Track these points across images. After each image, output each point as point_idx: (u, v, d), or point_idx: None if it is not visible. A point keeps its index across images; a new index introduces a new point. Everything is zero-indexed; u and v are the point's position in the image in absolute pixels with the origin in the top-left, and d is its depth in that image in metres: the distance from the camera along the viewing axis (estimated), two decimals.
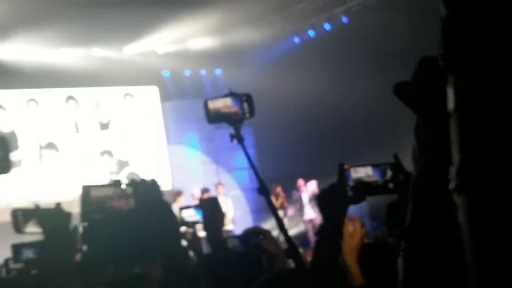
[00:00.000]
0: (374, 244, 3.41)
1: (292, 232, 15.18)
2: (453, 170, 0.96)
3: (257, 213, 15.57)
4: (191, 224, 4.07)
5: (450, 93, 1.00)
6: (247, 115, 3.29)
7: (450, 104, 0.99)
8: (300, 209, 14.86)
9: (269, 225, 12.91)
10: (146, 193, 1.97)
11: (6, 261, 10.52)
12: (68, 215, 2.50)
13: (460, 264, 1.00)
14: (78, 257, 2.47)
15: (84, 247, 1.96)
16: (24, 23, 12.70)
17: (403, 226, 1.07)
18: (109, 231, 1.86)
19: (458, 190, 0.95)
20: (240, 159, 16.01)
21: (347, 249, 2.82)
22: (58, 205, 2.53)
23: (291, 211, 14.75)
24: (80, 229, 2.51)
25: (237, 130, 3.28)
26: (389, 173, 2.45)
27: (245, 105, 3.29)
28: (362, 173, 2.47)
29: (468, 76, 0.96)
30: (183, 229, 4.14)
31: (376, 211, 12.33)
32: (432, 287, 1.03)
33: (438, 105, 1.07)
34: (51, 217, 2.55)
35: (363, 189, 2.44)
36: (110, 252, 1.90)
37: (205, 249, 3.60)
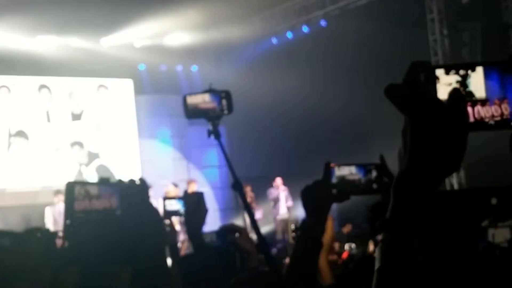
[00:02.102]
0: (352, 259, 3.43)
1: (262, 230, 15.19)
2: None
3: (226, 212, 15.57)
4: (172, 214, 4.06)
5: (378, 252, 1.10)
6: (226, 111, 3.29)
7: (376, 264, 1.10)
8: (275, 208, 14.87)
9: (238, 223, 12.93)
10: (133, 194, 1.95)
11: None
12: None
13: (432, 256, 1.07)
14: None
15: (66, 244, 1.93)
16: (1, 9, 12.53)
17: (384, 219, 1.12)
18: (92, 230, 1.84)
19: None
20: (211, 157, 16.02)
21: None
22: None
23: (259, 213, 14.75)
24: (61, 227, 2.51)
25: (215, 126, 3.28)
26: (373, 174, 2.46)
27: (224, 101, 3.29)
28: (346, 171, 2.46)
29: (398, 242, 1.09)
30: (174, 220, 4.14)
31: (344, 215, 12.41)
32: (406, 275, 1.07)
33: (426, 106, 1.11)
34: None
35: (347, 188, 2.44)
36: (90, 251, 1.88)
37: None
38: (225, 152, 3.23)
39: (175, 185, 14.22)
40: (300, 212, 14.96)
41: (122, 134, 15.81)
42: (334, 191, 2.39)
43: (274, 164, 15.54)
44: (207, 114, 3.28)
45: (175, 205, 4.01)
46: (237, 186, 3.01)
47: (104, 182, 2.03)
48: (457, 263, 2.06)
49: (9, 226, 11.93)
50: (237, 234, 3.54)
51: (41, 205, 13.00)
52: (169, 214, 4.12)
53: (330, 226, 3.00)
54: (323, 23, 15.50)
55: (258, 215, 14.94)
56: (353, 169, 2.47)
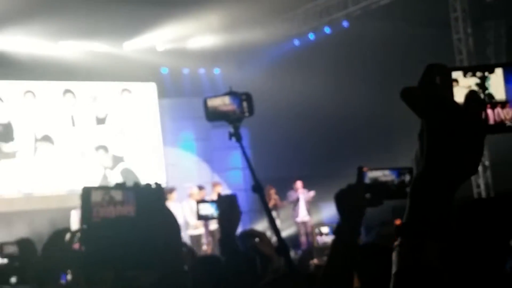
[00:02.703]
0: (370, 245, 3.41)
1: (284, 233, 15.21)
2: None
3: (250, 214, 15.57)
4: (207, 218, 4.07)
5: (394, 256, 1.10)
6: (246, 114, 3.29)
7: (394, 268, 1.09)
8: (294, 210, 14.90)
9: (261, 226, 12.94)
10: (149, 198, 1.95)
11: None
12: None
13: (448, 259, 1.06)
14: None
15: (83, 249, 1.95)
16: (25, 14, 12.68)
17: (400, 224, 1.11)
18: (109, 235, 1.84)
19: None
20: (234, 159, 16.03)
21: None
22: None
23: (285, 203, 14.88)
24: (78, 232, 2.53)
25: (236, 128, 3.28)
26: (407, 178, 2.45)
27: (245, 104, 3.29)
28: (379, 175, 2.47)
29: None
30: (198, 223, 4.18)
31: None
32: (422, 280, 1.07)
33: (441, 109, 1.10)
34: None
35: (380, 192, 2.43)
36: (107, 256, 1.89)
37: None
38: (246, 154, 3.23)
39: (200, 188, 14.27)
40: (321, 215, 14.95)
41: (146, 137, 15.90)
42: (368, 195, 2.40)
43: (297, 165, 15.53)
44: (227, 117, 3.28)
45: (209, 209, 4.01)
46: (257, 189, 3.00)
47: (120, 186, 2.04)
48: (480, 283, 2.03)
49: (36, 230, 12.07)
50: (257, 239, 3.54)
51: (67, 208, 13.10)
52: (202, 218, 4.12)
53: None
54: (345, 24, 15.45)
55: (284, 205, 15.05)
56: (386, 173, 2.48)
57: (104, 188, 2.00)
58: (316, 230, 9.78)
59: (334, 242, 2.36)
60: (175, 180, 15.54)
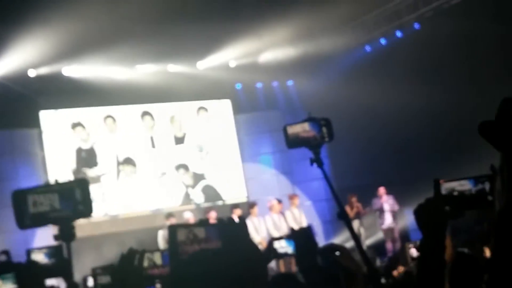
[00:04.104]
0: (464, 256, 3.35)
1: (369, 241, 15.10)
2: None
3: (332, 223, 15.50)
4: (282, 256, 4.07)
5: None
6: (326, 139, 3.32)
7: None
8: (380, 218, 14.78)
9: (344, 236, 12.88)
10: (233, 233, 1.99)
11: (84, 280, 10.87)
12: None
13: None
14: None
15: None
16: (101, 43, 13.07)
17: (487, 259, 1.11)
18: (196, 271, 1.89)
19: None
20: (313, 169, 15.97)
21: None
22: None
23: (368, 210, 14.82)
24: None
25: (317, 154, 3.31)
26: (487, 186, 2.36)
27: (324, 129, 3.32)
28: (457, 186, 2.41)
29: None
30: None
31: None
32: None
33: None
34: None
35: (461, 203, 2.39)
36: None
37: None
38: (328, 179, 3.25)
39: (279, 201, 14.34)
40: (406, 221, 14.74)
41: (224, 153, 16.08)
42: (447, 208, 2.35)
43: (377, 173, 15.38)
44: (308, 143, 3.32)
45: (285, 247, 4.02)
46: (343, 216, 3.02)
47: (202, 223, 2.09)
48: None
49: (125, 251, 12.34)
50: (337, 253, 3.53)
51: (154, 228, 13.40)
52: (278, 256, 4.12)
53: (448, 242, 2.95)
54: (416, 26, 15.22)
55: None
56: (463, 183, 2.41)
57: (187, 226, 2.05)
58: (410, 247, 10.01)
59: (420, 259, 2.33)
60: (256, 195, 15.65)
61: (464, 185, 2.40)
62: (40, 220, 2.49)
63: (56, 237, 2.52)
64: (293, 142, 3.34)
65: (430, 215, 2.30)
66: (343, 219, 3.01)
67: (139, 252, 2.63)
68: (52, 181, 2.51)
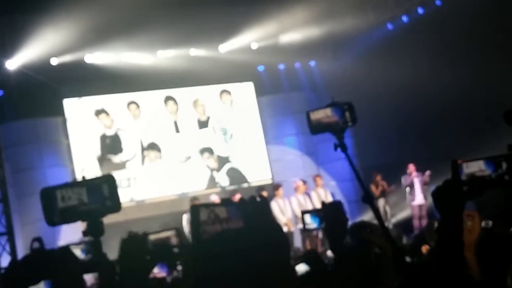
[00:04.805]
0: (492, 234, 3.34)
1: (395, 218, 15.10)
2: None
3: (357, 203, 15.49)
4: (311, 230, 4.06)
5: None
6: (350, 123, 3.31)
7: None
8: (411, 194, 14.75)
9: (370, 215, 12.86)
10: (255, 211, 1.98)
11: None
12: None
13: None
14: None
15: (197, 268, 1.99)
16: (124, 29, 13.12)
17: None
18: (218, 252, 1.89)
19: None
20: (338, 150, 15.95)
21: (466, 244, 2.80)
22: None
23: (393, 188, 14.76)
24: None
25: (340, 139, 3.30)
26: (504, 165, 2.38)
27: (347, 114, 3.31)
28: (475, 167, 2.42)
29: None
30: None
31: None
32: None
33: None
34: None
35: (478, 183, 2.38)
36: (219, 274, 1.93)
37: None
38: (352, 164, 3.25)
39: (304, 182, 14.36)
40: (431, 198, 14.68)
41: (248, 136, 16.10)
42: (465, 188, 2.35)
43: (402, 151, 15.30)
44: (331, 128, 3.32)
45: (309, 224, 3.99)
46: (367, 199, 3.01)
47: (224, 202, 2.07)
48: None
49: None
50: (368, 230, 3.51)
51: (179, 212, 13.44)
52: (307, 231, 4.13)
53: (477, 223, 2.94)
54: (438, 2, 15.05)
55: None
56: (481, 165, 2.42)
57: (208, 206, 2.03)
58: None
59: (438, 241, 2.33)
60: (281, 176, 15.67)
61: (484, 171, 2.41)
62: (69, 216, 2.52)
63: (84, 233, 2.55)
64: (316, 127, 3.34)
65: (447, 196, 2.30)
66: (368, 203, 3.00)
67: (140, 235, 2.64)
68: (79, 177, 2.53)
